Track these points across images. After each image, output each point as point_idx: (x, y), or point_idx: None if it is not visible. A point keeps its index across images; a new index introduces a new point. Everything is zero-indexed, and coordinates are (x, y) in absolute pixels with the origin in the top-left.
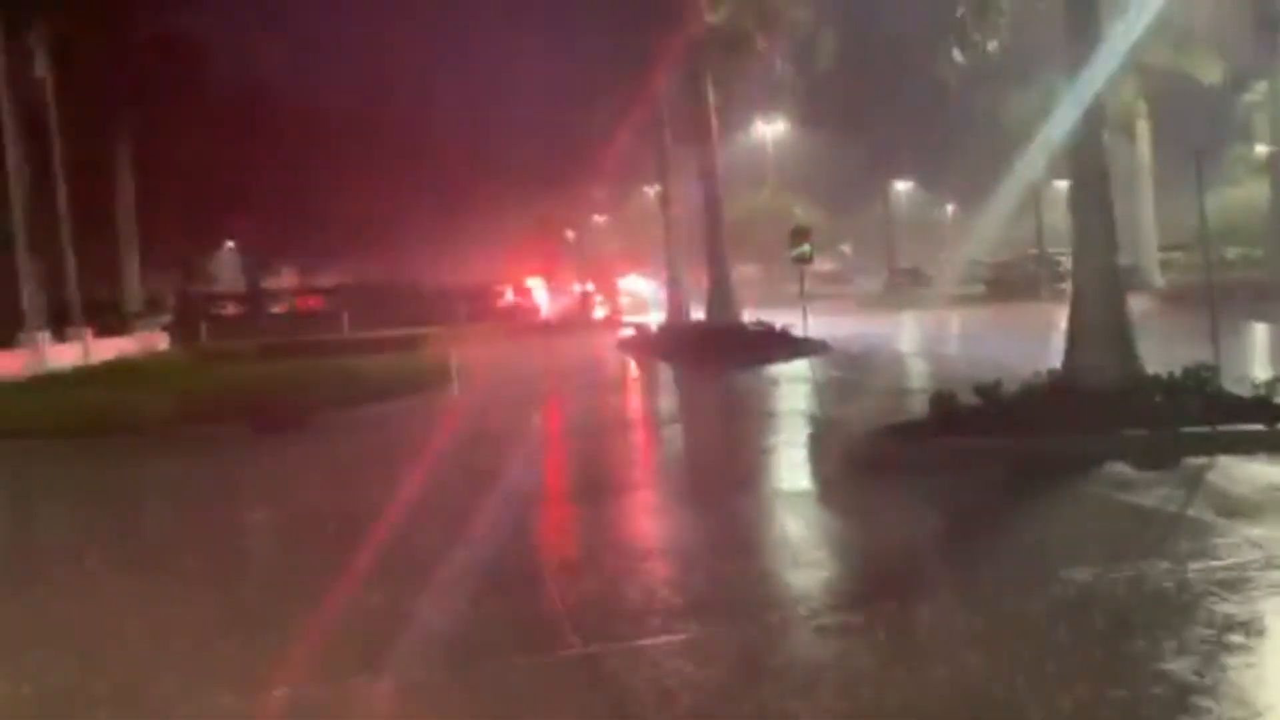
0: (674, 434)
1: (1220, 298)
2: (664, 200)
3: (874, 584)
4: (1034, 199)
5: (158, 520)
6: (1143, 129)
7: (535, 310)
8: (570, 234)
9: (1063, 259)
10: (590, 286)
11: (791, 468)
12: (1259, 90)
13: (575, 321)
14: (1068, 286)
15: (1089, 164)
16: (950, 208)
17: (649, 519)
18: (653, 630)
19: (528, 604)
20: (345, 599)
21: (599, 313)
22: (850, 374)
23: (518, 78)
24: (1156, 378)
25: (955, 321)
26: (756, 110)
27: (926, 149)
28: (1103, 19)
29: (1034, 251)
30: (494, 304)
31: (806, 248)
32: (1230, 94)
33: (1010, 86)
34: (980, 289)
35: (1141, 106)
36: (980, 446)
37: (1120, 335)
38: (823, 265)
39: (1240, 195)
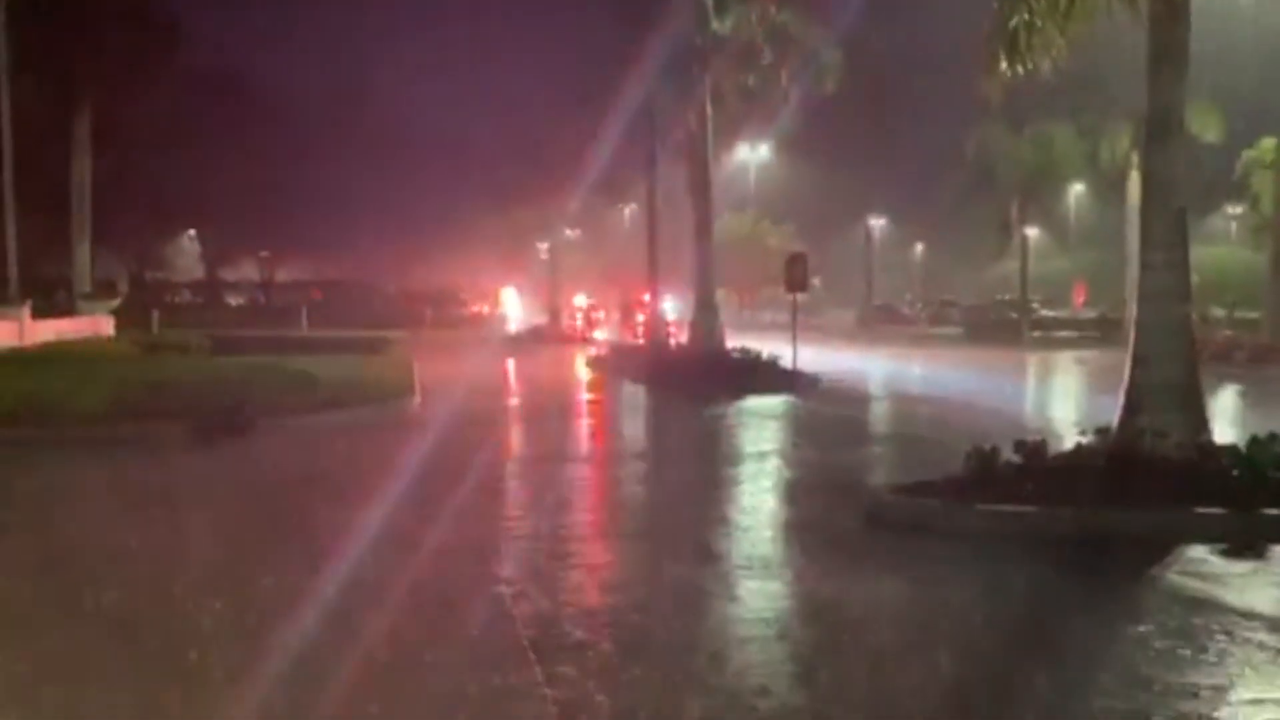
0: (667, 476)
1: (1213, 358)
2: (652, 216)
3: None
4: (1015, 245)
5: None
6: (1133, 180)
7: (505, 320)
8: (543, 246)
9: (1037, 306)
10: (587, 300)
11: (815, 530)
12: (1264, 148)
13: (547, 335)
14: (1043, 335)
15: (1162, 205)
16: (919, 246)
17: (647, 593)
18: None
19: None
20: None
21: (600, 333)
22: (851, 414)
23: (504, 81)
24: (1231, 449)
25: (945, 363)
26: (750, 132)
27: (903, 186)
28: (1189, 52)
29: (1004, 297)
30: (461, 311)
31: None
32: (1228, 151)
33: (1005, 130)
34: (956, 331)
35: (1132, 157)
36: (1032, 516)
37: (1191, 398)
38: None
39: (1233, 254)
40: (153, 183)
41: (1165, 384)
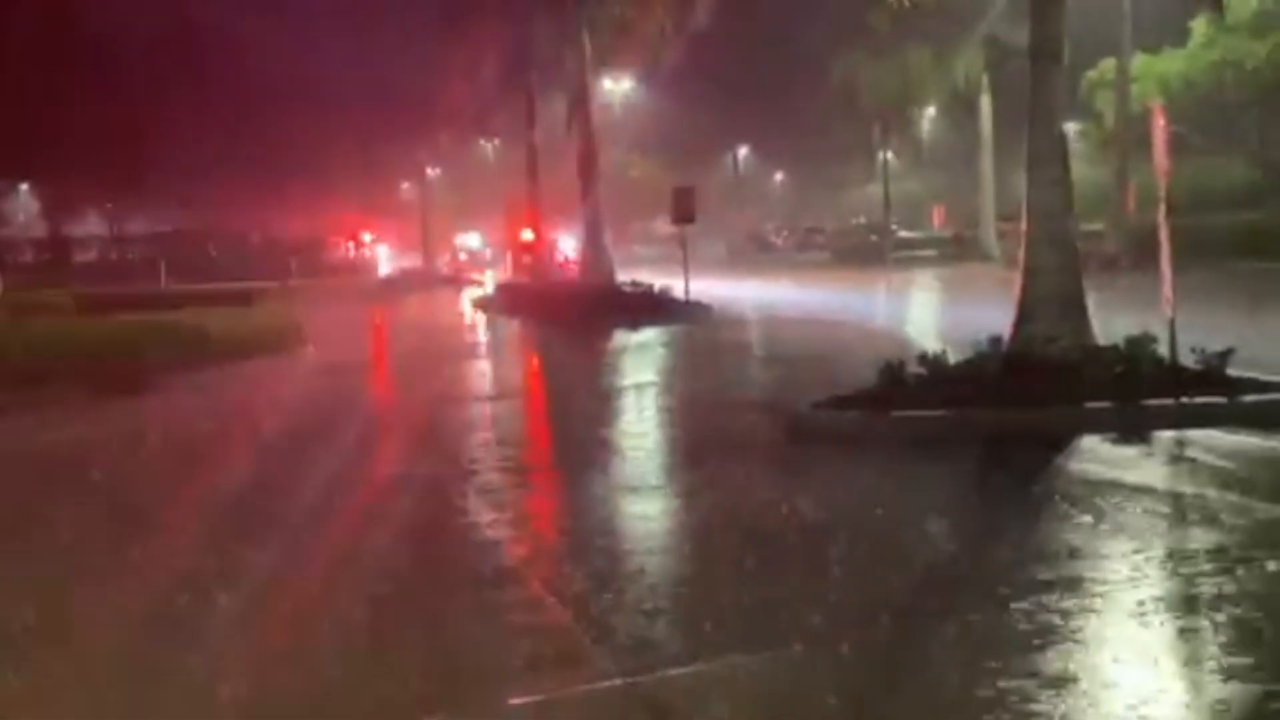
0: (592, 407)
1: None
2: (531, 153)
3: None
4: (878, 170)
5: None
6: (984, 103)
7: (374, 265)
8: (406, 186)
9: (896, 227)
10: (474, 239)
11: (743, 444)
12: (1105, 69)
13: (423, 278)
14: (905, 255)
15: (1046, 127)
16: (779, 175)
17: (574, 516)
18: None
19: None
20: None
21: (488, 274)
22: (750, 339)
23: (366, 14)
24: (1112, 348)
25: (821, 287)
26: (625, 65)
27: (764, 116)
28: None
29: (861, 221)
30: (327, 258)
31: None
32: (1072, 72)
33: (866, 57)
34: (824, 255)
35: (984, 80)
36: (941, 420)
37: (1076, 305)
38: (662, 229)
39: (1077, 170)
40: None
41: (1053, 293)
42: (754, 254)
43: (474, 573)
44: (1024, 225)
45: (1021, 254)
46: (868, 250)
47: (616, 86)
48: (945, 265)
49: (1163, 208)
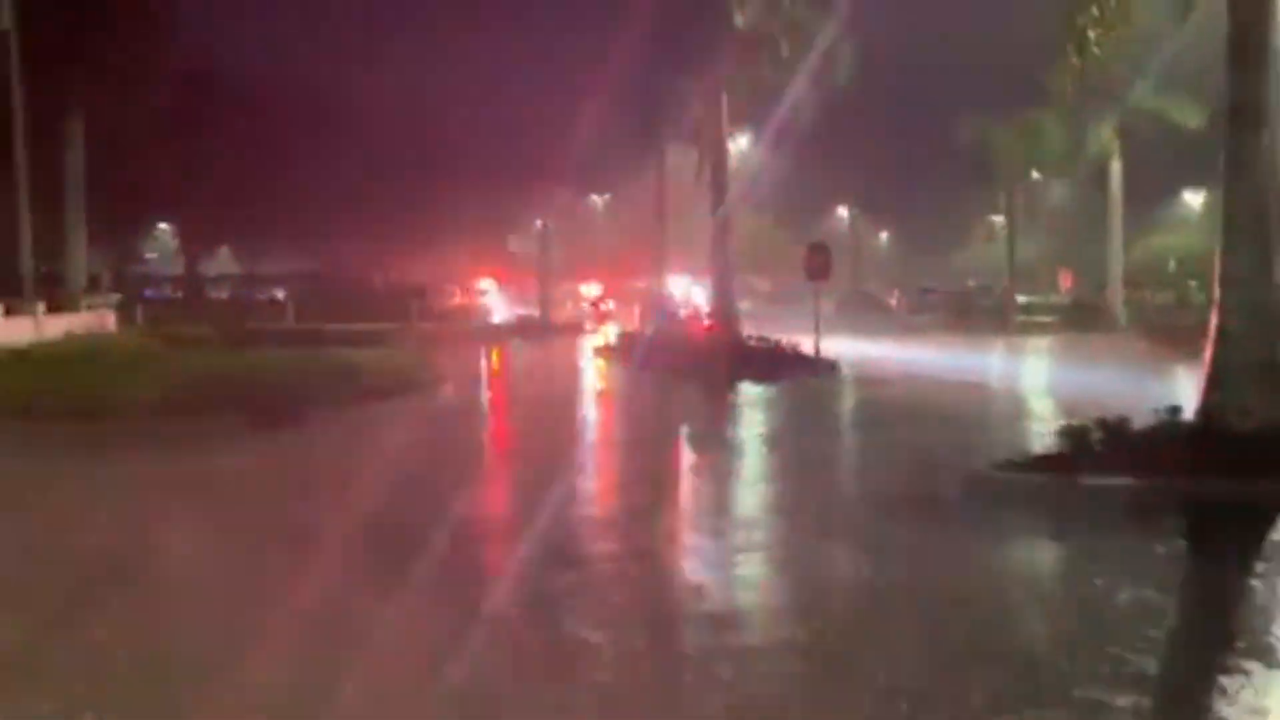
0: (754, 461)
1: (1185, 337)
2: (660, 206)
3: None
4: (991, 231)
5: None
6: (1115, 168)
7: (489, 312)
8: (527, 235)
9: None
10: (594, 290)
11: (924, 502)
12: None
13: (539, 326)
14: (1024, 320)
15: (1244, 190)
16: (884, 235)
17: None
18: None
19: None
20: None
21: (610, 325)
22: (890, 397)
23: (497, 73)
24: None
25: (946, 349)
26: (756, 123)
27: (875, 174)
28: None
29: (972, 283)
30: (445, 303)
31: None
32: (1208, 137)
33: (992, 120)
34: (938, 317)
35: (1115, 146)
36: (1136, 487)
37: (1272, 375)
38: (762, 284)
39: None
40: (134, 178)
41: (1247, 362)
42: (864, 313)
43: (700, 617)
44: (1217, 291)
45: (1212, 321)
46: (984, 313)
47: (734, 146)
48: (1070, 332)
49: None
